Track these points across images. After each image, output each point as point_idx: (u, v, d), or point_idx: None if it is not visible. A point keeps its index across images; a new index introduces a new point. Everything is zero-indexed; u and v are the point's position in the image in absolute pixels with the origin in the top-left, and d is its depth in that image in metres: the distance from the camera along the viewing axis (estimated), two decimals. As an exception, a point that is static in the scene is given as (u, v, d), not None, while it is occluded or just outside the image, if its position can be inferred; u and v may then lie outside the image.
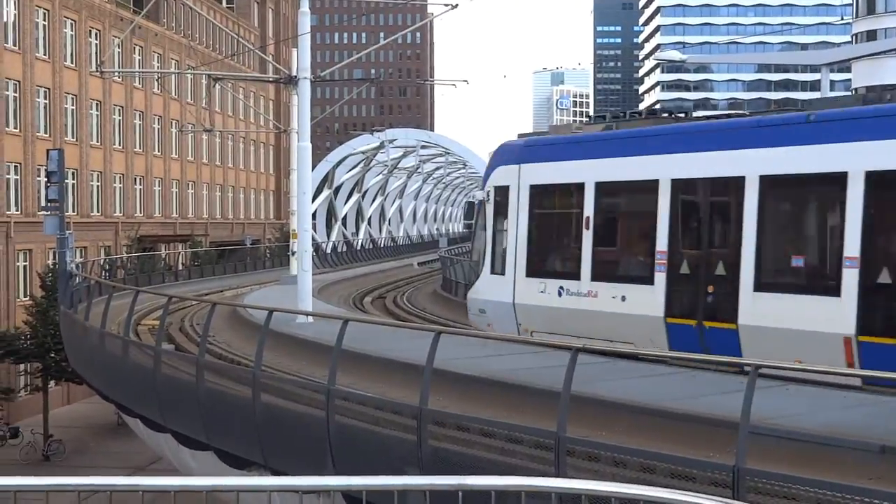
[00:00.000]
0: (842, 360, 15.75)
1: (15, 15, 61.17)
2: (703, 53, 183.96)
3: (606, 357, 15.95)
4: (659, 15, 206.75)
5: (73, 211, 65.38)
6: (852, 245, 15.85)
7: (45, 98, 64.37)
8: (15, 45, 61.06)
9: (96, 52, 69.55)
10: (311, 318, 23.93)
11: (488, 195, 23.44)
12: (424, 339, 13.16)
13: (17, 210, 61.12)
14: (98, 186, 71.36)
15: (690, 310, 18.56)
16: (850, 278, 15.77)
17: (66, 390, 62.08)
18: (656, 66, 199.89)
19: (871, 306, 15.70)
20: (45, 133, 64.04)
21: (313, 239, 39.49)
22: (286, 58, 61.60)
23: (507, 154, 23.46)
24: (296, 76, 27.94)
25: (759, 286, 17.25)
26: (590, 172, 20.97)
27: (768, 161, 17.41)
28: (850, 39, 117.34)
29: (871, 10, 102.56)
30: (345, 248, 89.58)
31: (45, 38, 64.43)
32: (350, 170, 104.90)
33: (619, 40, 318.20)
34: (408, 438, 12.75)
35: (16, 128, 61.26)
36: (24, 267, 62.01)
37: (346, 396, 14.42)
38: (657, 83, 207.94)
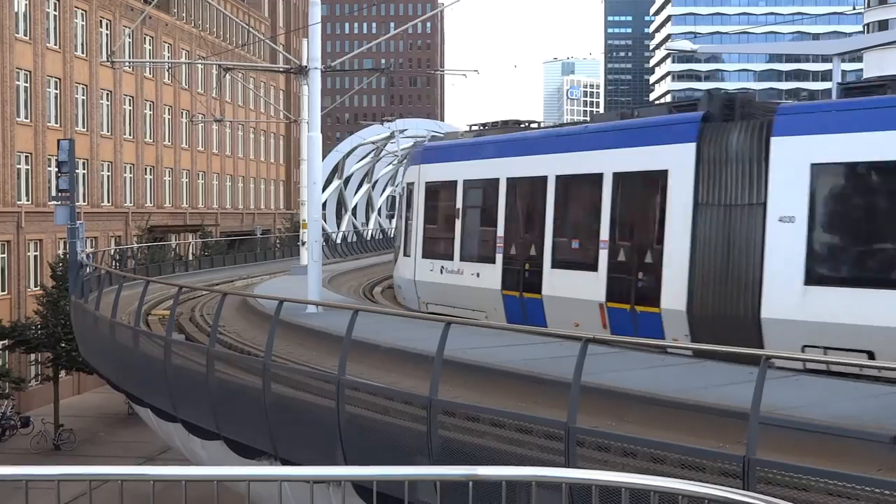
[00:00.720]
0: (599, 323, 20.06)
1: (26, 5, 61.20)
2: (714, 43, 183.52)
3: (617, 347, 16.02)
4: (670, 4, 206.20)
5: (84, 201, 65.55)
6: (605, 231, 20.50)
7: (56, 88, 64.43)
8: (26, 35, 61.12)
9: (107, 43, 69.58)
10: (321, 309, 23.72)
11: (402, 190, 29.23)
12: (434, 329, 13.16)
13: (27, 200, 61.23)
14: (108, 176, 71.48)
15: (515, 284, 23.46)
16: (603, 257, 20.44)
17: (76, 380, 62.26)
18: (667, 55, 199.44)
19: (613, 279, 20.18)
20: (56, 123, 64.12)
21: (323, 229, 39.36)
22: (296, 48, 61.72)
23: (415, 156, 29.67)
24: (306, 66, 27.90)
25: (554, 264, 22.01)
26: (460, 172, 26.61)
27: (560, 164, 22.13)
28: (861, 29, 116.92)
29: (882, 0, 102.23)
30: (355, 239, 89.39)
31: (55, 29, 64.48)
32: (360, 160, 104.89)
33: (629, 30, 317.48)
34: (418, 428, 12.74)
35: (27, 118, 61.32)
36: (35, 257, 62.13)
37: (356, 386, 14.39)
38: (668, 73, 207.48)
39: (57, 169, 41.46)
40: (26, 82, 61.26)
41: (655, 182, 19.66)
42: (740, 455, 9.46)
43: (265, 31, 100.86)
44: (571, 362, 11.09)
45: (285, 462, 15.71)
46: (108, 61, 58.35)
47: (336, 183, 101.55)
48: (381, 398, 14.45)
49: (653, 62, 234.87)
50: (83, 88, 67.72)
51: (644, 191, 20.39)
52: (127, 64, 69.85)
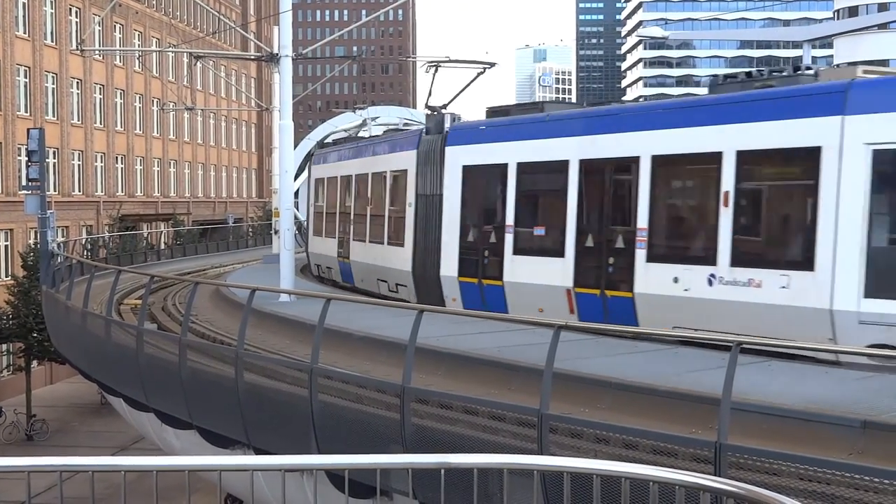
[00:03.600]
0: (566, 309, 20.05)
1: (-6, -7, 60.80)
2: (685, 30, 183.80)
3: (590, 334, 16.04)
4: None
5: (55, 190, 65.06)
6: (571, 217, 20.34)
7: (26, 77, 63.89)
8: (-6, 23, 60.67)
9: (77, 31, 69.01)
10: (293, 297, 23.89)
11: (309, 183, 36.84)
12: (408, 317, 13.12)
13: (-3, 189, 60.83)
14: (79, 165, 71.00)
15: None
16: (570, 244, 20.26)
17: (48, 370, 61.89)
18: (639, 42, 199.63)
19: (581, 265, 20.08)
20: (26, 112, 63.59)
21: (296, 217, 38.95)
22: (268, 35, 61.40)
23: (314, 156, 38.49)
24: (277, 54, 27.80)
25: (516, 251, 21.82)
26: (328, 171, 33.96)
27: (521, 151, 22.03)
28: (832, 15, 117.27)
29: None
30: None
31: (25, 17, 63.92)
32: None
33: (601, 17, 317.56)
34: (391, 417, 12.75)
35: (-4, 107, 60.90)
36: (6, 247, 61.64)
37: (329, 375, 14.39)
38: (639, 60, 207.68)
39: (27, 158, 41.20)
40: (-5, 71, 60.85)
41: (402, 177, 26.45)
42: (712, 441, 9.47)
43: (236, 18, 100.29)
44: (543, 350, 11.09)
45: (259, 451, 15.70)
46: (78, 49, 57.88)
47: (304, 175, 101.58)
48: (353, 386, 14.42)
49: (624, 49, 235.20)
50: (53, 77, 67.16)
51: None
52: (97, 52, 69.33)
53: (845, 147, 15.43)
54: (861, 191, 15.22)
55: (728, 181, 17.06)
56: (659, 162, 18.54)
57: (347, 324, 17.86)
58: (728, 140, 17.19)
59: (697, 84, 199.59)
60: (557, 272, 20.31)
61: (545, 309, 20.29)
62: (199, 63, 58.10)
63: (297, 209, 78.97)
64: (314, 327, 14.64)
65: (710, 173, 17.48)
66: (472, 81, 27.03)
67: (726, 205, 17.12)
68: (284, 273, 25.94)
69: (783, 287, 16.01)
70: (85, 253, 53.58)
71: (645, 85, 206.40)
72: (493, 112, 24.29)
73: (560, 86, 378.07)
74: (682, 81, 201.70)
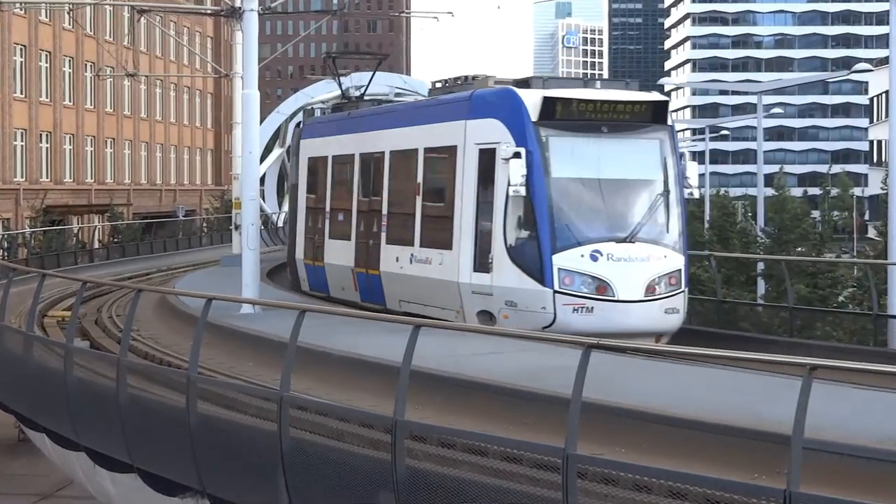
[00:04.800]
0: (353, 287, 28.79)
1: None
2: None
3: (625, 354, 15.91)
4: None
5: (-36, 175, 65.01)
6: (354, 205, 29.28)
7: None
8: None
9: (-9, -22, 68.93)
10: (258, 308, 23.97)
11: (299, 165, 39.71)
12: (401, 335, 13.06)
13: None
14: (-6, 145, 70.90)
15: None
16: (353, 229, 29.06)
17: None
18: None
19: (358, 247, 28.65)
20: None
21: (262, 210, 38.89)
22: (227, -15, 61.18)
23: (305, 127, 40.52)
24: (240, 7, 27.71)
25: (331, 235, 30.51)
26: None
27: (336, 145, 31.10)
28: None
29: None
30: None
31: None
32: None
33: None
34: (379, 457, 12.62)
35: None
36: None
37: (304, 405, 14.28)
38: (687, 15, 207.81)
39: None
40: None
41: None
42: (780, 489, 9.36)
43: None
44: (567, 374, 10.99)
45: (214, 500, 15.58)
46: (-8, 2, 57.70)
47: (277, 152, 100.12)
48: (333, 420, 14.29)
49: (668, 2, 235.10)
50: (-38, 35, 67.17)
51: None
52: (17, 5, 69.12)
53: (466, 147, 24.08)
54: (472, 184, 23.76)
55: (420, 174, 26.24)
56: (393, 157, 27.75)
57: (326, 342, 17.81)
58: (420, 139, 26.48)
59: (759, 45, 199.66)
60: (348, 253, 29.21)
61: (345, 288, 29.22)
62: (143, 19, 57.73)
63: (264, 199, 78.07)
64: (284, 346, 14.60)
65: (412, 167, 26.62)
66: (374, 72, 36.94)
67: (419, 194, 26.11)
68: (247, 278, 25.84)
69: (440, 264, 24.68)
70: (1, 253, 53.34)
71: (693, 46, 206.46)
72: (337, 107, 34.56)
73: (589, 47, 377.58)
74: (739, 42, 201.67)
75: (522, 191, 22.65)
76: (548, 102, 23.25)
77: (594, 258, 22.78)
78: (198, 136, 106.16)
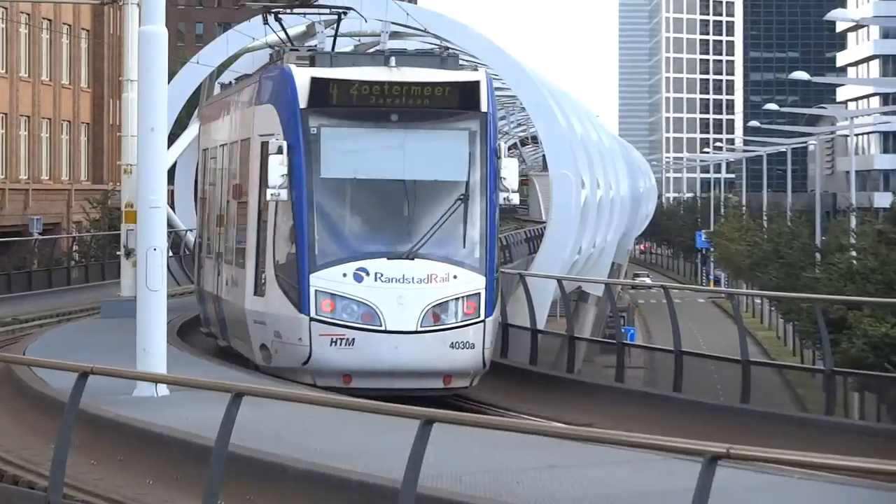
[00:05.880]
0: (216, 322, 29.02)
1: None
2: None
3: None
4: None
5: None
6: (211, 210, 30.14)
7: None
8: None
9: None
10: (165, 388, 21.19)
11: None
12: (401, 433, 12.78)
13: None
14: None
15: None
16: (217, 240, 29.11)
17: None
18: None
19: (218, 265, 28.41)
20: None
21: (170, 224, 37.43)
22: None
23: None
24: None
25: (203, 250, 31.99)
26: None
27: (207, 134, 32.55)
28: None
29: None
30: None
31: None
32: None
33: None
34: None
35: None
36: None
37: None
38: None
39: None
40: None
41: None
42: None
43: None
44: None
45: None
46: None
47: (195, 130, 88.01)
48: None
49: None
50: None
51: None
52: None
53: (252, 141, 25.06)
54: (255, 186, 24.29)
55: (233, 175, 27.28)
56: (222, 152, 28.84)
57: (277, 444, 15.94)
58: (234, 130, 27.57)
59: None
60: (212, 275, 29.23)
61: (213, 325, 29.83)
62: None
63: (174, 208, 63.96)
64: (206, 451, 13.89)
65: (231, 166, 27.70)
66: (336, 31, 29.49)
67: (231, 199, 27.04)
68: (147, 338, 21.76)
69: (235, 285, 25.58)
70: None
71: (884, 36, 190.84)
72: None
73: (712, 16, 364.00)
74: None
75: (283, 194, 22.73)
76: (318, 84, 22.89)
77: (358, 278, 22.71)
78: (65, 102, 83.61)
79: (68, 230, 77.78)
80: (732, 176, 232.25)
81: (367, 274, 22.41)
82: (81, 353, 25.73)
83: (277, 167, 22.36)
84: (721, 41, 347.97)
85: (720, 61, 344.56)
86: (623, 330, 71.71)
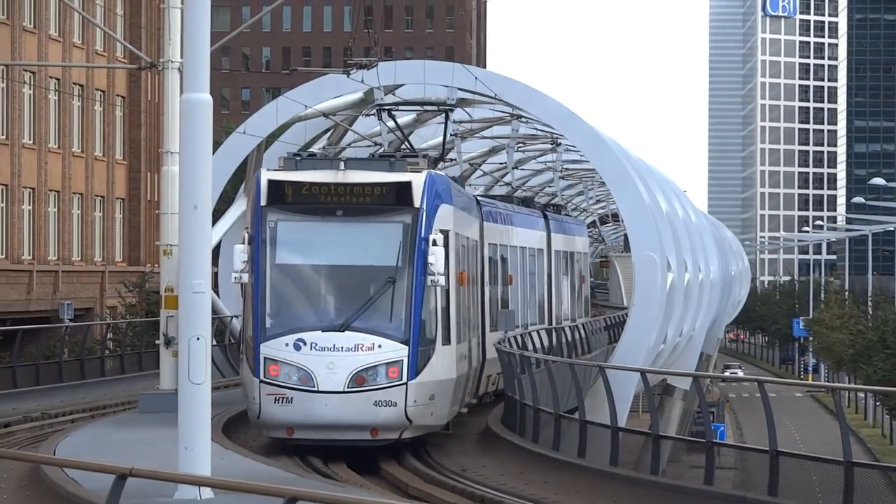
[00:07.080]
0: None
1: None
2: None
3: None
4: None
5: None
6: None
7: None
8: None
9: None
10: (209, 491, 20.88)
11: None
12: None
13: None
14: None
15: None
16: None
17: None
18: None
19: None
20: None
21: (215, 310, 36.79)
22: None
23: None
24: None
25: None
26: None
27: None
28: None
29: None
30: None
31: None
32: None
33: None
34: None
35: None
36: None
37: None
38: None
39: None
40: None
41: None
42: None
43: None
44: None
45: None
46: None
47: (242, 206, 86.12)
48: None
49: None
50: None
51: None
52: None
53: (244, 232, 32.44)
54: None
55: None
56: None
57: None
58: None
59: None
60: None
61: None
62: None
63: (218, 294, 62.25)
64: None
65: None
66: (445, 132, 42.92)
67: None
68: (191, 435, 21.34)
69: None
70: None
71: None
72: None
73: (812, 16, 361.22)
74: None
75: (245, 277, 29.53)
76: (274, 186, 29.84)
77: (297, 347, 29.23)
78: (97, 175, 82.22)
79: (102, 316, 76.70)
80: (834, 257, 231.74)
81: (305, 343, 28.83)
82: (117, 451, 26.81)
83: (240, 255, 29.04)
84: (822, 108, 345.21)
85: (821, 131, 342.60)
86: (712, 427, 70.93)
